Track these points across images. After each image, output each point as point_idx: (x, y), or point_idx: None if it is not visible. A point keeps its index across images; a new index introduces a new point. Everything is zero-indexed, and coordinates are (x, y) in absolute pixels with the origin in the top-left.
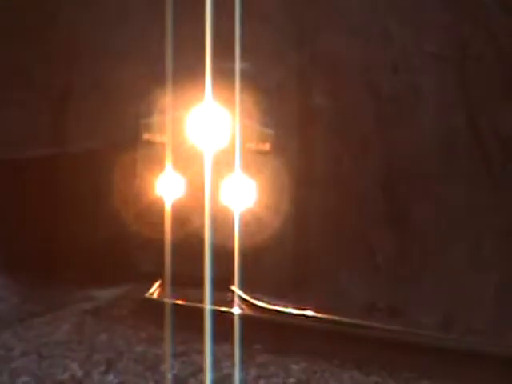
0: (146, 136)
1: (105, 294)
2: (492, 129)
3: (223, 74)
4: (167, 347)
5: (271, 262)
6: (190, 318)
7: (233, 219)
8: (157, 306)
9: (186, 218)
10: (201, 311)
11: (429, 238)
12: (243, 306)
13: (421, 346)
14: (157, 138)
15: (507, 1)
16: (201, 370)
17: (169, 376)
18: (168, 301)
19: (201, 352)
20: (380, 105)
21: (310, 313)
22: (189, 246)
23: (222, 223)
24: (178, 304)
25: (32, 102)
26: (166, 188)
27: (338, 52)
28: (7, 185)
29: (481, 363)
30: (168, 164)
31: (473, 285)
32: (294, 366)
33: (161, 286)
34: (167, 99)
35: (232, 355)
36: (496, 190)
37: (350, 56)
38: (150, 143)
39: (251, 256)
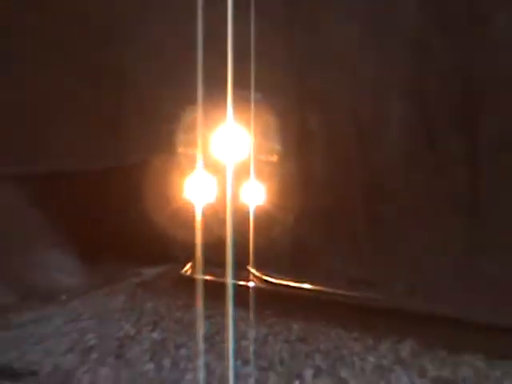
0: (180, 149)
1: (150, 272)
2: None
3: (242, 101)
4: (198, 312)
5: (278, 247)
6: (215, 290)
7: (248, 214)
8: (190, 281)
9: (212, 213)
10: (224, 285)
11: (395, 229)
12: (256, 281)
13: (391, 309)
14: (189, 151)
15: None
16: (224, 328)
17: (200, 333)
18: (199, 277)
19: (224, 315)
20: (359, 129)
21: (306, 285)
22: (215, 235)
23: (239, 218)
24: (206, 279)
25: (91, 122)
26: (197, 191)
27: (328, 87)
28: (76, 192)
29: (439, 323)
30: (198, 172)
31: (431, 262)
32: (294, 326)
33: (192, 266)
34: (198, 120)
35: (248, 318)
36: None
37: (337, 91)
38: (183, 155)
39: (264, 243)
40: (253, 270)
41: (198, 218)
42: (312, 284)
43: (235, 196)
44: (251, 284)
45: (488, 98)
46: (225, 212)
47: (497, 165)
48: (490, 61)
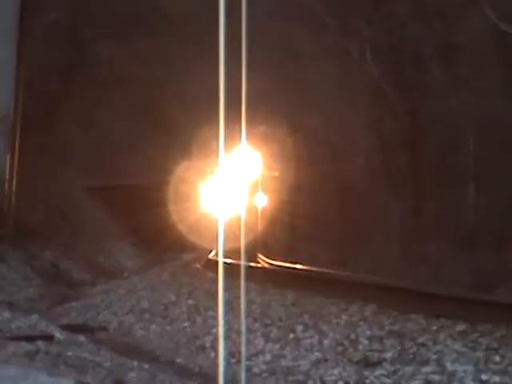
0: (209, 169)
1: (187, 256)
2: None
3: (254, 132)
4: (221, 284)
5: (278, 239)
6: (233, 270)
7: (257, 216)
8: (215, 263)
9: (230, 216)
10: (239, 266)
11: (362, 225)
12: (262, 263)
13: (358, 282)
14: (213, 169)
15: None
16: (239, 296)
17: (221, 299)
18: (221, 260)
19: (238, 287)
20: (335, 150)
21: (299, 266)
22: (232, 231)
23: (249, 219)
24: (226, 262)
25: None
26: (219, 199)
27: (314, 127)
28: (134, 200)
29: (392, 291)
30: (219, 184)
31: (385, 248)
32: (289, 295)
33: (216, 253)
34: (219, 143)
35: (255, 289)
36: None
37: (316, 128)
38: (210, 173)
39: (270, 236)
40: (260, 256)
41: (220, 219)
42: (301, 264)
43: (246, 202)
44: (258, 265)
45: (428, 131)
46: (240, 214)
47: (434, 175)
48: (428, 103)
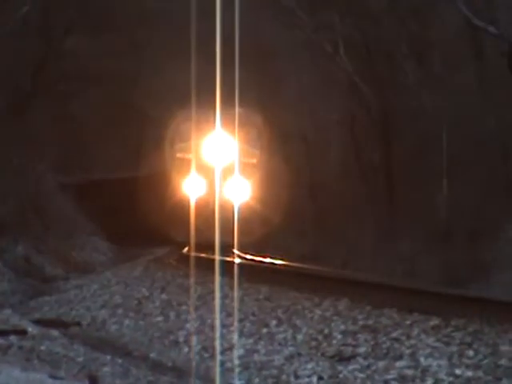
0: (179, 155)
1: (160, 251)
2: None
3: (229, 114)
4: (193, 279)
5: (250, 233)
6: (206, 264)
7: (233, 208)
8: (188, 257)
9: (204, 207)
10: (213, 260)
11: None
12: (237, 257)
13: (331, 277)
14: (185, 155)
15: None
16: (213, 291)
17: (194, 294)
18: (193, 254)
19: (213, 282)
20: (308, 145)
21: (273, 260)
22: (207, 224)
23: (226, 211)
24: (199, 256)
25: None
26: (192, 188)
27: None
28: (106, 194)
29: (365, 286)
30: (193, 172)
31: (359, 244)
32: (263, 289)
33: (189, 247)
34: (192, 129)
35: (228, 284)
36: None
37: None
38: (181, 159)
39: (245, 230)
40: (235, 250)
41: (192, 211)
42: (275, 258)
43: (222, 192)
44: (232, 259)
45: (401, 126)
46: (213, 206)
47: (407, 171)
48: (401, 99)
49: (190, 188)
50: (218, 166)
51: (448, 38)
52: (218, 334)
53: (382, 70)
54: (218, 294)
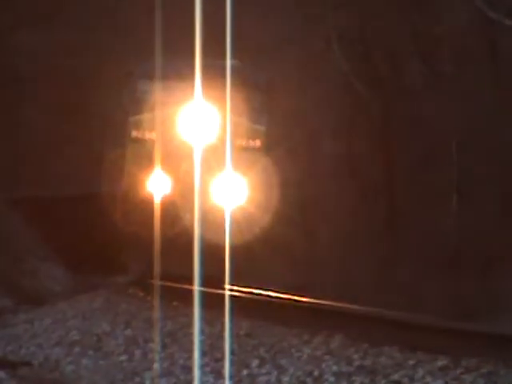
0: (134, 133)
1: (122, 280)
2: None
3: (213, 70)
4: (162, 313)
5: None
6: (178, 295)
7: (223, 217)
8: (155, 287)
9: (175, 216)
10: (186, 290)
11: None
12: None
13: (324, 310)
14: (146, 135)
15: None
16: (184, 326)
17: (163, 329)
18: (159, 283)
19: (185, 315)
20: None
21: (256, 291)
22: (178, 243)
23: (212, 221)
24: (170, 286)
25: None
26: (156, 186)
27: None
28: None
29: (362, 320)
30: (157, 162)
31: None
32: (244, 324)
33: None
34: (156, 96)
35: (205, 317)
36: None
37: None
38: (138, 140)
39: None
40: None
41: (157, 223)
42: (259, 289)
43: (205, 193)
44: (209, 290)
45: (403, 136)
46: (192, 214)
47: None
48: (404, 103)
49: (152, 184)
50: (199, 152)
51: (458, 32)
52: (191, 376)
53: (382, 69)
54: (192, 330)
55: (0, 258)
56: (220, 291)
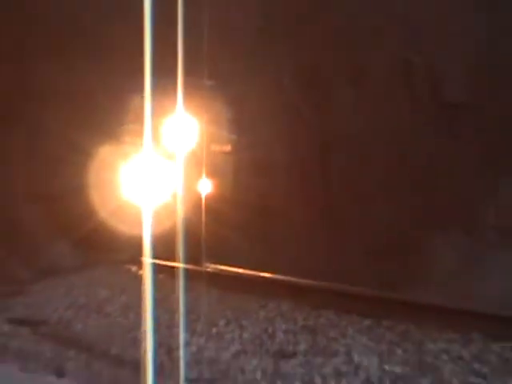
0: (126, 139)
1: (120, 256)
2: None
3: (193, 88)
4: (149, 285)
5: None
6: (165, 270)
7: (200, 208)
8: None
9: (161, 207)
10: (170, 266)
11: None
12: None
13: (271, 281)
14: (136, 141)
15: None
16: (168, 294)
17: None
18: (152, 261)
19: (168, 286)
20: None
21: (224, 267)
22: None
23: (191, 211)
24: (155, 263)
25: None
26: (145, 183)
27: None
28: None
29: (304, 289)
30: (145, 163)
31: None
32: (215, 293)
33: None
34: (145, 108)
35: (185, 289)
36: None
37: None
38: (129, 145)
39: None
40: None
41: (149, 213)
42: (227, 266)
43: (187, 190)
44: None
45: (338, 146)
46: (175, 206)
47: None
48: (338, 119)
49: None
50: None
51: (384, 64)
52: (172, 332)
53: (322, 90)
54: (181, 298)
55: (23, 241)
56: (198, 268)
